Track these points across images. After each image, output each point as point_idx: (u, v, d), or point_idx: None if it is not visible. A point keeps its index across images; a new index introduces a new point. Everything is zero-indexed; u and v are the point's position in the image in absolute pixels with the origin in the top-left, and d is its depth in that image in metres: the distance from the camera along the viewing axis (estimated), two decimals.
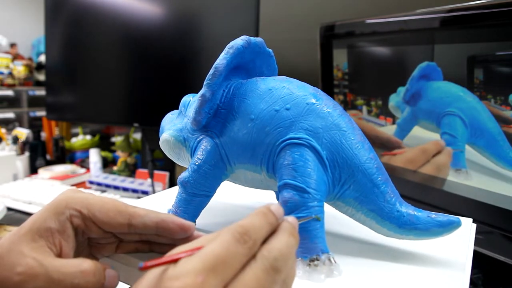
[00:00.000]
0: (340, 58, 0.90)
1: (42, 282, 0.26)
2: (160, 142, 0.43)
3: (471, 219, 0.43)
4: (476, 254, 0.37)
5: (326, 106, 0.34)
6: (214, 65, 0.36)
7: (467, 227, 0.41)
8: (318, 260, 0.31)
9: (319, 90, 0.37)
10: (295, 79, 0.37)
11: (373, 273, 0.32)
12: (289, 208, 0.32)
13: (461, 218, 0.43)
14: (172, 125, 0.42)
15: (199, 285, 0.20)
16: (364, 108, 0.87)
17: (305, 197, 0.32)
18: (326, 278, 0.31)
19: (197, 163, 0.37)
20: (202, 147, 0.37)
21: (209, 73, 0.36)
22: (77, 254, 0.32)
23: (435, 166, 0.71)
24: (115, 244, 0.33)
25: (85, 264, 0.28)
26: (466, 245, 0.37)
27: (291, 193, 0.32)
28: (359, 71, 0.88)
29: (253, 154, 0.35)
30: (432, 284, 0.31)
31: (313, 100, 0.34)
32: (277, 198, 0.46)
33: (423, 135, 0.75)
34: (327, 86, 0.94)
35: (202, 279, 0.20)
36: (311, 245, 0.31)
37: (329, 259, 0.32)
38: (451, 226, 0.33)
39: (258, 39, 0.38)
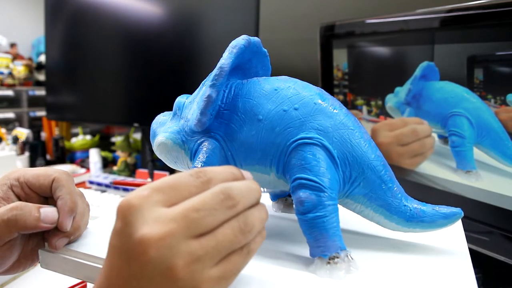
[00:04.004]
0: (340, 58, 0.90)
1: None
2: (155, 145, 0.41)
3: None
4: (476, 254, 0.38)
5: (333, 106, 0.35)
6: (219, 65, 0.35)
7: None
8: (338, 257, 0.32)
9: (323, 90, 0.37)
10: (297, 79, 0.37)
11: (388, 267, 0.33)
12: (306, 208, 0.32)
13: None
14: (167, 127, 0.40)
15: (143, 197, 0.24)
16: (364, 108, 0.87)
17: (321, 196, 0.32)
18: (346, 275, 0.32)
19: (202, 166, 0.36)
20: (205, 149, 0.37)
21: (214, 73, 0.35)
22: (28, 238, 0.38)
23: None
24: None
25: (12, 204, 0.34)
26: (460, 233, 0.40)
27: (307, 193, 0.32)
28: (359, 71, 0.88)
29: (263, 155, 0.35)
30: (439, 272, 0.32)
31: (320, 100, 0.35)
32: (272, 199, 0.46)
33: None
34: (327, 86, 0.94)
35: (147, 193, 0.24)
36: (331, 243, 0.32)
37: (347, 256, 0.32)
38: (455, 217, 0.34)
39: (256, 38, 0.38)
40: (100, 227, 0.42)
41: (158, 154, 0.42)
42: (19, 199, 0.36)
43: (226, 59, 0.35)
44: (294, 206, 0.33)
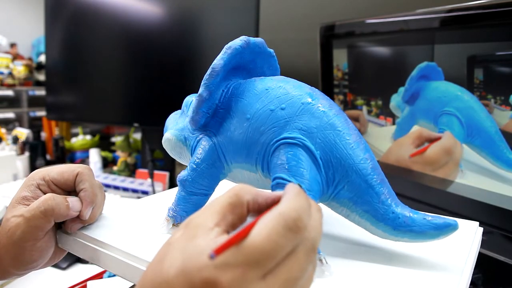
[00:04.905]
0: (340, 58, 0.90)
1: (24, 226, 0.37)
2: (162, 141, 0.44)
3: (477, 223, 0.42)
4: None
5: (322, 106, 0.34)
6: (211, 65, 0.36)
7: (472, 231, 0.41)
8: None
9: (316, 89, 0.36)
10: (292, 79, 0.37)
11: (365, 275, 0.32)
12: None
13: (468, 221, 0.42)
14: (175, 124, 0.43)
15: (237, 278, 0.20)
16: (364, 108, 0.87)
17: None
18: (316, 279, 0.31)
19: (195, 162, 0.38)
20: (201, 146, 0.38)
21: (207, 73, 0.36)
22: (56, 229, 0.41)
23: (453, 164, 0.68)
24: None
25: (44, 196, 0.38)
26: (467, 249, 0.37)
27: None
28: (359, 71, 0.88)
29: (248, 154, 0.36)
30: (424, 287, 0.30)
31: (309, 100, 0.34)
32: None
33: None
34: (327, 86, 0.94)
35: (242, 272, 0.20)
36: None
37: (320, 260, 0.32)
38: (448, 229, 0.32)
39: (258, 39, 0.38)
40: (110, 216, 0.44)
41: (166, 149, 0.44)
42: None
43: (218, 59, 0.36)
44: None
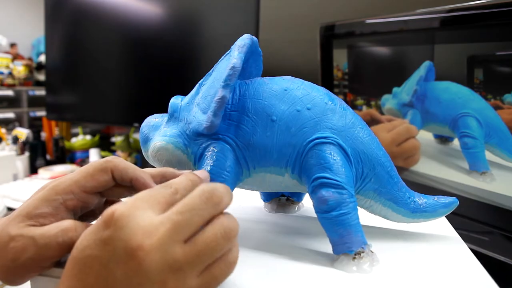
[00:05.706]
0: (340, 58, 0.90)
1: (32, 252, 0.29)
2: (152, 151, 0.38)
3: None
4: (476, 254, 0.38)
5: (341, 106, 0.36)
6: (232, 65, 0.33)
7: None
8: (363, 252, 0.32)
9: (328, 90, 0.37)
10: (300, 79, 0.37)
11: (401, 256, 0.35)
12: (331, 206, 0.32)
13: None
14: (164, 131, 0.38)
15: (131, 206, 0.25)
16: (364, 108, 0.87)
17: (343, 194, 0.33)
18: (371, 268, 0.32)
19: (210, 169, 0.35)
20: (214, 152, 0.35)
21: (227, 73, 0.33)
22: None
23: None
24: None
25: (65, 223, 0.30)
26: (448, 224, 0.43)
27: (330, 191, 0.32)
28: (359, 71, 0.88)
29: (279, 156, 0.35)
30: (446, 256, 0.35)
31: (328, 100, 0.36)
32: (265, 200, 0.46)
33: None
34: (327, 86, 0.94)
35: (133, 203, 0.25)
36: (356, 239, 0.32)
37: (370, 250, 0.33)
38: (452, 206, 0.38)
39: (255, 38, 0.37)
40: None
41: (156, 159, 0.38)
42: (74, 211, 0.33)
43: (237, 58, 0.34)
44: (314, 205, 0.33)
